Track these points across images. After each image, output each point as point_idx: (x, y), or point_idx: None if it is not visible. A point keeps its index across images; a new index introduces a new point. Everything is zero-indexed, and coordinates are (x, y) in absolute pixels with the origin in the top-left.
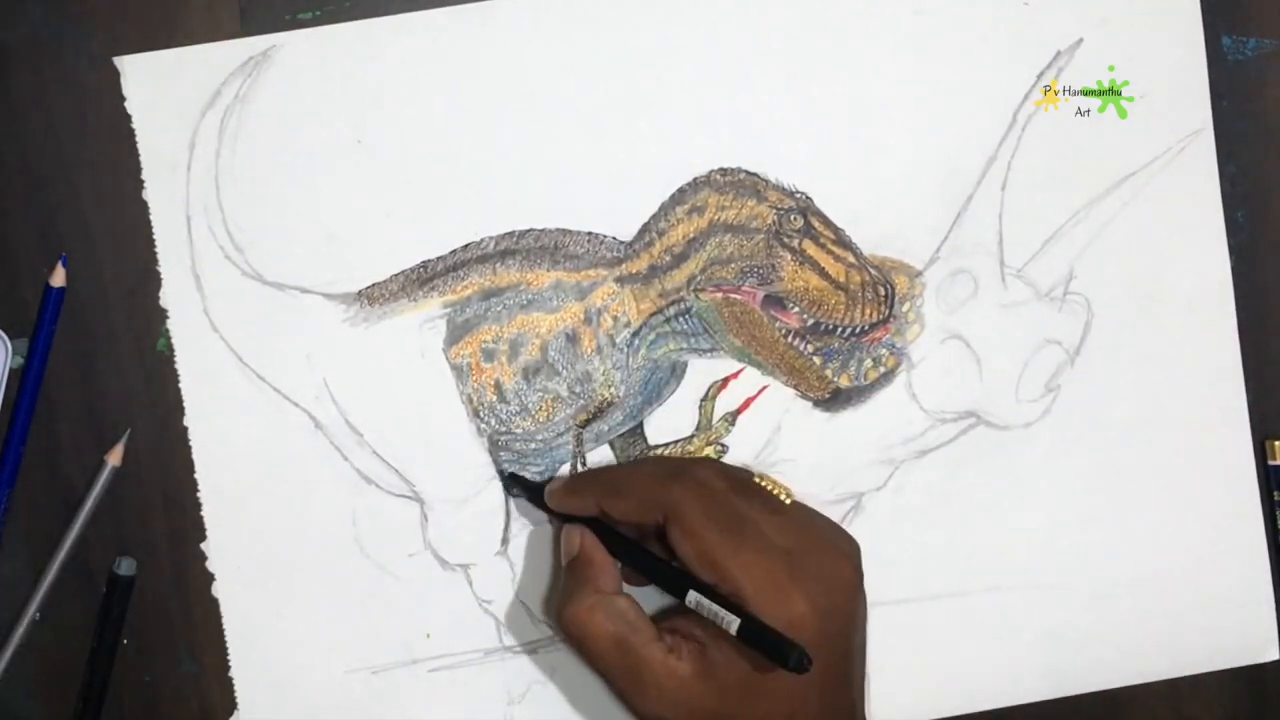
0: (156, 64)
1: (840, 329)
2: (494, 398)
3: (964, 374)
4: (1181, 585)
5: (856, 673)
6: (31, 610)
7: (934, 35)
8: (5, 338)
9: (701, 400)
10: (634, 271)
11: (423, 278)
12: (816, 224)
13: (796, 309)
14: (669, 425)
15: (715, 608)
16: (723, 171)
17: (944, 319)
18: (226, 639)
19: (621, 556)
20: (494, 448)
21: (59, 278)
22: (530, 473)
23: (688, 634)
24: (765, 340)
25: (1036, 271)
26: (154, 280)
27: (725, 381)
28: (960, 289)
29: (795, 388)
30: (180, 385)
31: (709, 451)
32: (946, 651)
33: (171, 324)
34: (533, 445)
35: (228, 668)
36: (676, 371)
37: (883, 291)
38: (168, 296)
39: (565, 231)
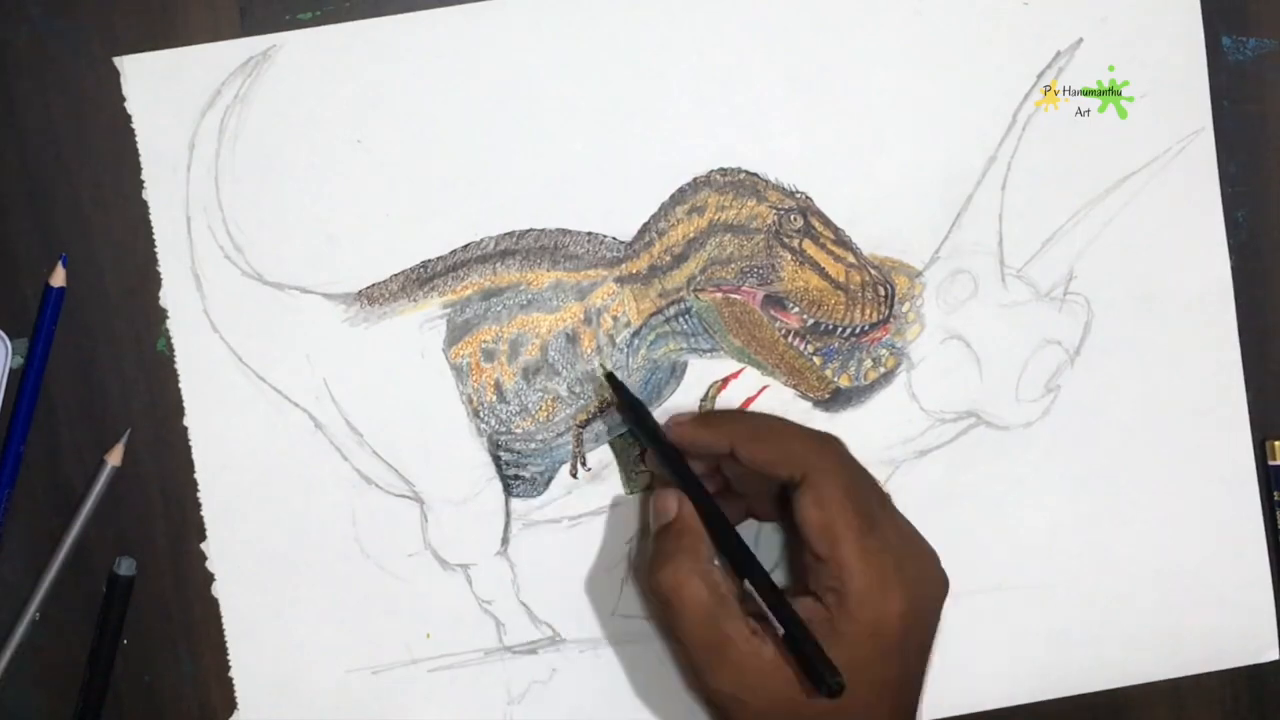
0: (156, 64)
1: (840, 329)
2: (494, 398)
3: (964, 374)
4: (1181, 585)
5: (924, 678)
6: (31, 610)
7: (934, 35)
8: (5, 338)
9: (701, 400)
10: (634, 271)
11: (423, 278)
12: (816, 224)
13: (796, 309)
14: None
15: (766, 610)
16: (723, 171)
17: (944, 319)
18: (226, 639)
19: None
20: (494, 447)
21: (59, 278)
22: (530, 472)
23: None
24: (765, 340)
25: (1036, 271)
26: (154, 280)
27: (725, 381)
28: (960, 289)
29: (795, 388)
30: (180, 385)
31: None
32: (947, 651)
33: (171, 324)
34: (533, 445)
35: (228, 668)
36: (676, 371)
37: (883, 291)
38: (168, 296)
39: (565, 231)
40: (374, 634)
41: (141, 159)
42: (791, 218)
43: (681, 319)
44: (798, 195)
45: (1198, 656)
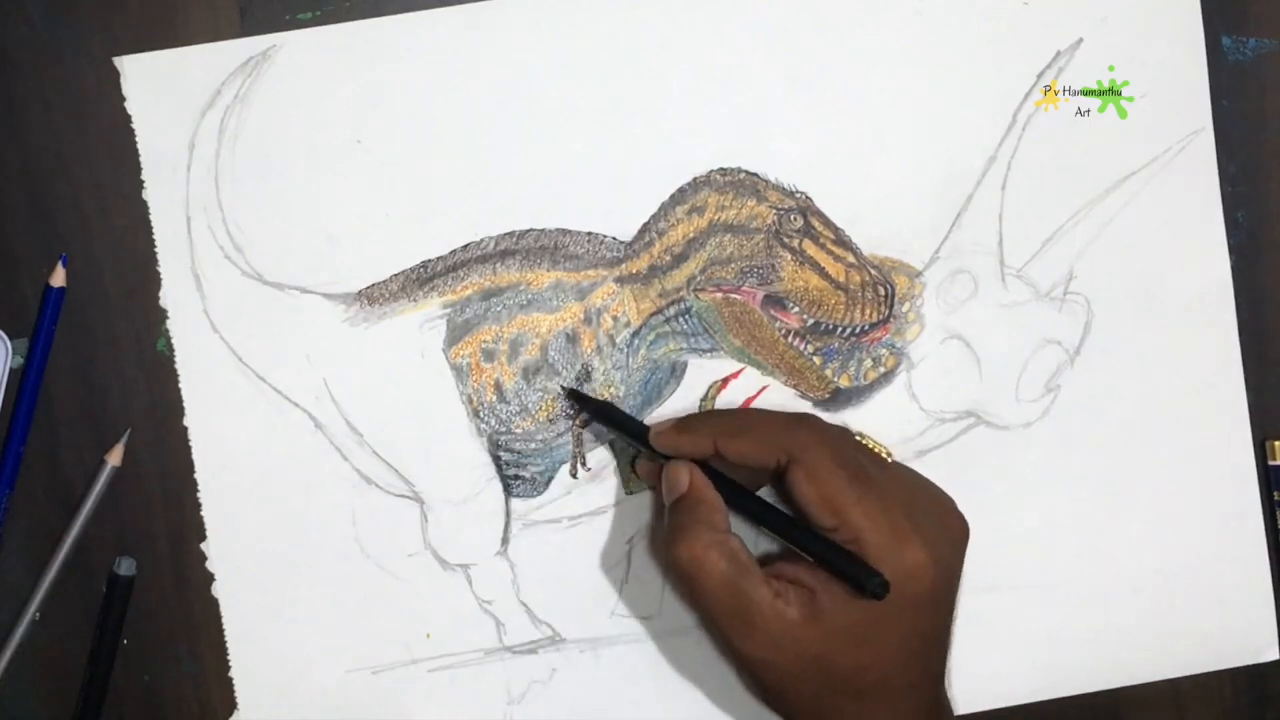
0: (156, 64)
1: (840, 329)
2: (494, 398)
3: (964, 374)
4: (1181, 585)
5: (950, 632)
6: (31, 610)
7: (934, 35)
8: (5, 338)
9: (701, 400)
10: (634, 271)
11: (423, 278)
12: (816, 224)
13: (796, 309)
14: None
15: (791, 545)
16: (723, 171)
17: (944, 319)
18: (226, 639)
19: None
20: (494, 447)
21: (59, 278)
22: (530, 472)
23: (794, 579)
24: (765, 340)
25: (1036, 271)
26: (154, 280)
27: (725, 381)
28: (960, 289)
29: (795, 388)
30: (180, 385)
31: None
32: None
33: (171, 324)
34: (533, 445)
35: (228, 668)
36: (676, 371)
37: (883, 291)
38: (168, 296)
39: (565, 231)
40: (374, 634)
41: (141, 159)
42: (791, 218)
43: (681, 319)
44: (798, 195)
45: (1198, 656)
